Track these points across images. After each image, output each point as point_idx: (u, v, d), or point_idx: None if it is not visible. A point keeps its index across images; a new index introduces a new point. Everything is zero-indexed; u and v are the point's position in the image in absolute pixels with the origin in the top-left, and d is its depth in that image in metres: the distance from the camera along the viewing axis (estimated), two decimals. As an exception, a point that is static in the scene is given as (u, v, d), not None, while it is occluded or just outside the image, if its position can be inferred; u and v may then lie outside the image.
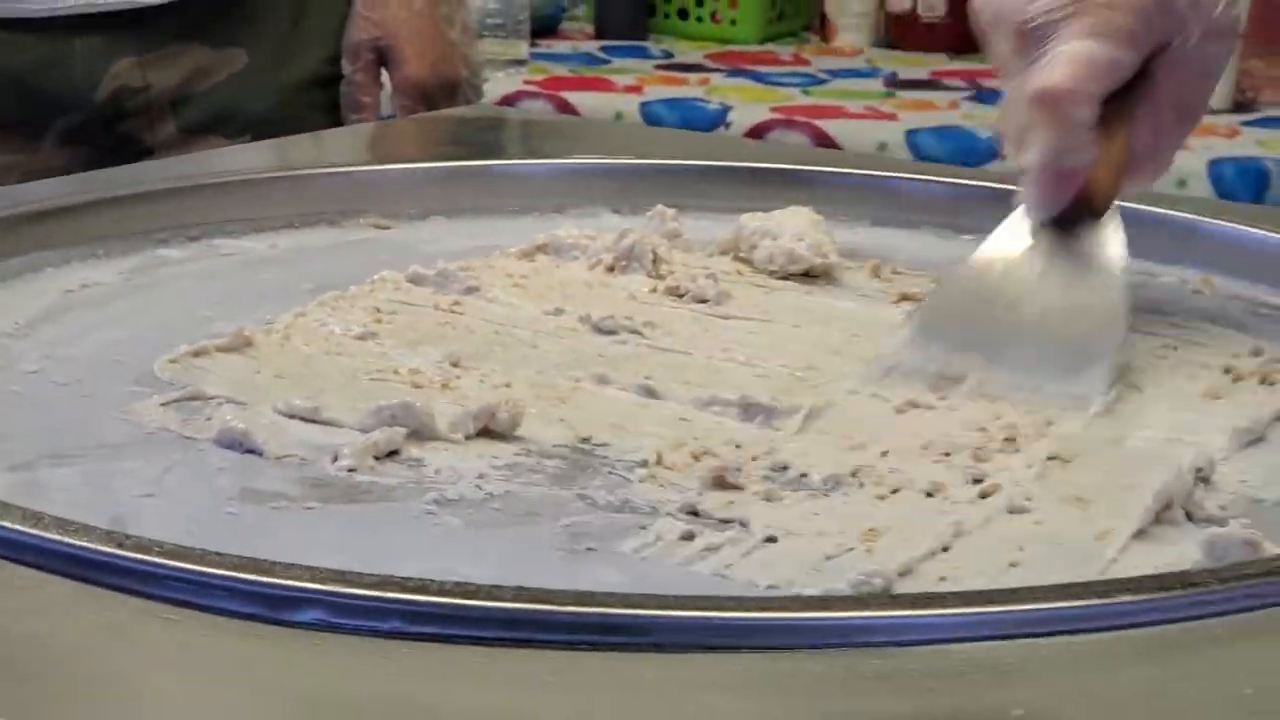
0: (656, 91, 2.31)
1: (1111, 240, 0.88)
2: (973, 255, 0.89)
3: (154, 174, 1.14)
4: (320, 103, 1.58)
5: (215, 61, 1.54)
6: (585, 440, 0.75)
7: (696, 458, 0.73)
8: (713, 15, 2.69)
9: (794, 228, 0.99)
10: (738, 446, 0.74)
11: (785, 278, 0.98)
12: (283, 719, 0.51)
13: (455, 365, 0.83)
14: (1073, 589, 0.57)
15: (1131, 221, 1.02)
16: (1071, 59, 0.84)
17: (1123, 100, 0.86)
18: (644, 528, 0.66)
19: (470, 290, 0.93)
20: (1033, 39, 0.85)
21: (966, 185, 1.10)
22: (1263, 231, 0.99)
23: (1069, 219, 0.87)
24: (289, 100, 1.56)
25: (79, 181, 1.12)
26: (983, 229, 1.05)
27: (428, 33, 1.55)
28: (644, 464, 0.72)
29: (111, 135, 1.53)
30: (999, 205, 1.06)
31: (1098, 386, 0.81)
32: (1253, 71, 2.19)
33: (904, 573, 0.63)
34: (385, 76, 1.58)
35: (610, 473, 0.72)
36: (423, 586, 0.54)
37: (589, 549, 0.65)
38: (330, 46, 1.57)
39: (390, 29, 1.55)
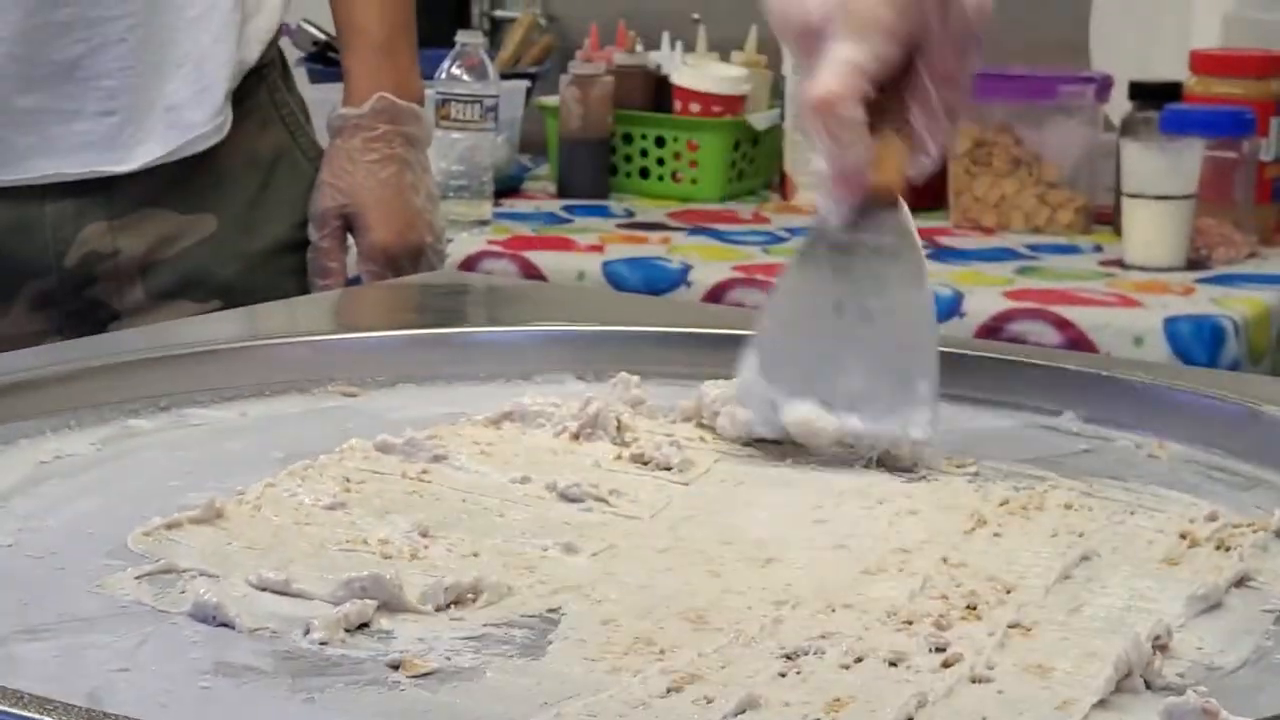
0: (618, 250, 2.33)
1: (904, 224, 0.95)
2: (783, 283, 0.99)
3: (124, 345, 1.16)
4: (287, 268, 1.59)
5: (184, 227, 1.56)
6: (553, 610, 0.76)
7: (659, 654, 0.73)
8: (673, 175, 2.73)
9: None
10: (701, 617, 0.75)
11: (748, 444, 1.00)
12: None
13: (424, 535, 0.84)
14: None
15: (1087, 388, 1.04)
16: (835, 63, 0.91)
17: (893, 91, 0.93)
18: (611, 696, 0.67)
19: (438, 458, 0.94)
20: (815, 39, 0.93)
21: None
22: (1214, 397, 1.00)
23: (864, 221, 0.95)
24: (256, 266, 1.58)
25: (51, 352, 1.14)
26: (940, 393, 1.07)
27: (393, 200, 1.57)
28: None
29: (80, 300, 1.54)
30: (952, 364, 1.08)
31: (924, 414, 0.94)
32: (1205, 229, 2.23)
33: (869, 743, 0.64)
34: (351, 242, 1.60)
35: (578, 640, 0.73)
36: (396, 763, 0.55)
37: (557, 715, 0.66)
38: (297, 213, 1.59)
39: (357, 196, 1.57)
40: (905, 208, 0.95)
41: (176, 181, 1.55)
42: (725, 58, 2.79)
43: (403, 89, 1.60)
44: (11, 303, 1.53)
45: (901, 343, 0.95)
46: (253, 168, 1.58)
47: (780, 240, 2.43)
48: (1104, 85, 2.45)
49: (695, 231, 2.48)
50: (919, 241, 0.96)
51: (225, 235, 1.57)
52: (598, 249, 2.34)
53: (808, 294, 0.97)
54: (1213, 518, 0.89)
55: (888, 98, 0.93)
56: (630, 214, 2.61)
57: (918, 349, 0.95)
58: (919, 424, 0.94)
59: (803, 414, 0.95)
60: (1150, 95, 2.37)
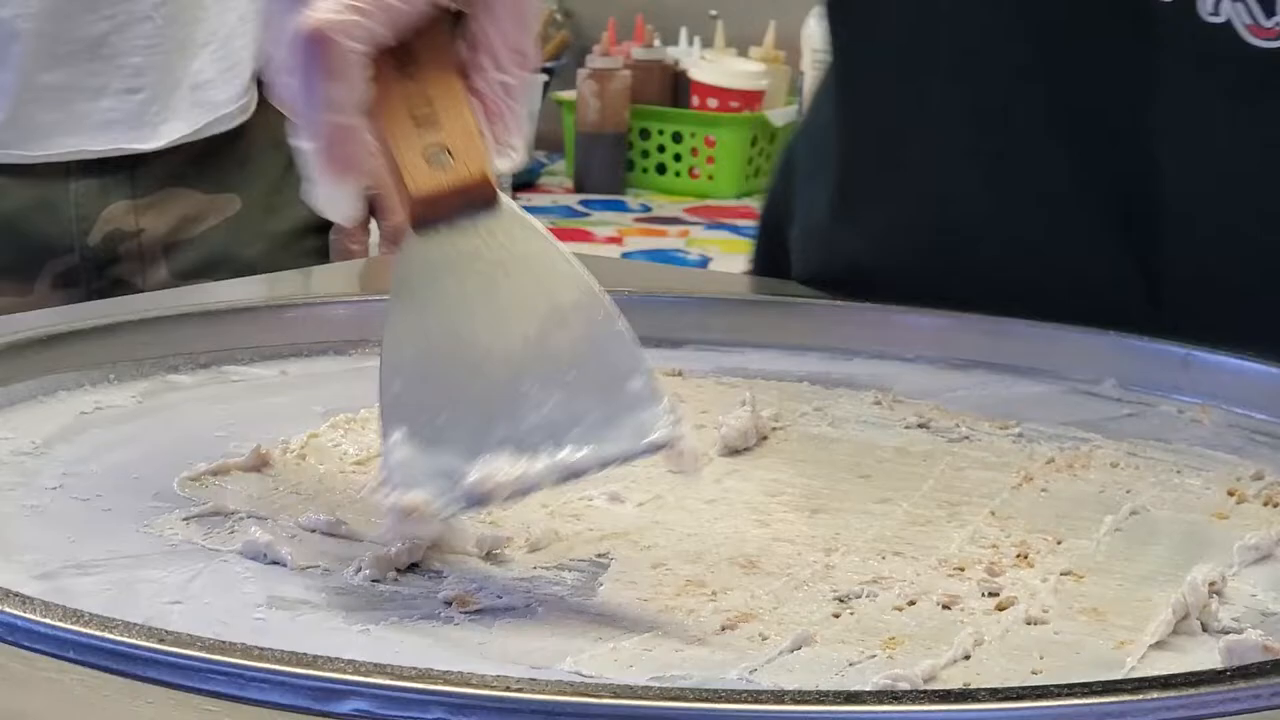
0: (637, 243, 2.34)
1: (525, 227, 0.75)
2: (396, 328, 0.74)
3: (163, 301, 1.15)
4: (310, 249, 1.60)
5: (208, 207, 1.56)
6: (602, 555, 0.76)
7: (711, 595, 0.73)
8: (690, 170, 2.73)
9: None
10: (752, 562, 0.75)
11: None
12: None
13: (469, 484, 0.83)
14: (1107, 685, 0.57)
15: (1128, 353, 1.04)
16: None
17: (441, 64, 0.76)
18: (665, 633, 0.67)
19: (478, 415, 0.94)
20: None
21: (963, 318, 1.11)
22: (1257, 362, 1.00)
23: (451, 220, 0.75)
24: (280, 246, 1.58)
25: (90, 308, 1.13)
26: (978, 361, 1.07)
27: (418, 180, 1.57)
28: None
29: (103, 279, 1.54)
30: (994, 337, 1.08)
31: (654, 413, 0.73)
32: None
33: (929, 679, 0.64)
34: (374, 224, 1.59)
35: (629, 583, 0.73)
36: (466, 679, 0.54)
37: (612, 648, 0.66)
38: (322, 193, 1.59)
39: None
40: (510, 203, 0.75)
41: (201, 161, 1.55)
42: (743, 53, 2.80)
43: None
44: (34, 282, 1.53)
45: (585, 349, 0.74)
46: (277, 148, 1.58)
47: (798, 235, 2.42)
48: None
49: (713, 225, 2.48)
50: (552, 238, 0.75)
51: (249, 215, 1.57)
52: (616, 240, 2.35)
53: (438, 332, 0.74)
54: (1259, 476, 0.88)
55: (428, 67, 0.75)
56: (647, 209, 2.61)
57: (611, 348, 0.74)
58: (655, 425, 0.73)
59: (500, 470, 0.71)
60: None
